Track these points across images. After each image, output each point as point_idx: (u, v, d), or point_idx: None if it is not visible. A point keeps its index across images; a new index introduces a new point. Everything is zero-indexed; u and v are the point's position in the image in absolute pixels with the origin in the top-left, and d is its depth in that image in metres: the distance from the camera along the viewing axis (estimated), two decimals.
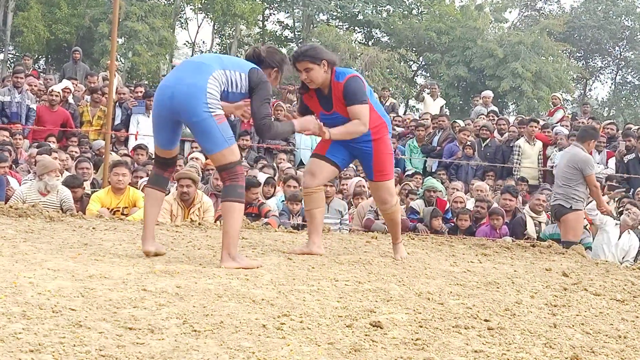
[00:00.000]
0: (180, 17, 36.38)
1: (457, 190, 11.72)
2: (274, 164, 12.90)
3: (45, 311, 3.57)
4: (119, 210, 9.01)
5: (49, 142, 11.84)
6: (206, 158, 12.18)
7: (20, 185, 9.65)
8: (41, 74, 21.88)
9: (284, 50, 37.40)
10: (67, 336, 3.22)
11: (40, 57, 35.30)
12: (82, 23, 31.33)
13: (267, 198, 10.59)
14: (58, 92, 13.43)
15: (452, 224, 10.62)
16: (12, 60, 34.48)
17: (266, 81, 5.50)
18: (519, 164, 13.87)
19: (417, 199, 11.00)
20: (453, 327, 3.95)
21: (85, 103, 14.33)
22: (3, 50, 32.40)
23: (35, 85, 14.45)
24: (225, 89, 5.36)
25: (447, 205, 10.96)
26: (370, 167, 6.25)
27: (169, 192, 9.77)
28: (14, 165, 10.80)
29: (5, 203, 8.44)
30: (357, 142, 6.13)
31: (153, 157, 6.04)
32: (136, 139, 13.42)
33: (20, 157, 11.61)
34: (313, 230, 6.27)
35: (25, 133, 12.60)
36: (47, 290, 3.97)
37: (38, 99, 13.71)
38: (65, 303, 3.74)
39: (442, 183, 12.17)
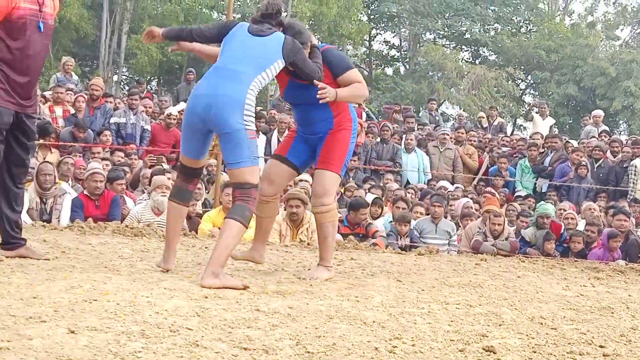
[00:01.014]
0: None
1: (566, 210, 11.53)
2: (382, 184, 12.91)
3: (164, 330, 3.66)
4: None
5: (162, 162, 12.11)
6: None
7: (135, 204, 9.90)
8: (154, 95, 22.38)
9: (389, 71, 37.44)
10: (185, 355, 3.30)
11: (152, 78, 36.14)
12: None
13: (375, 218, 10.61)
14: (175, 115, 13.67)
15: (565, 246, 10.44)
16: (125, 82, 35.39)
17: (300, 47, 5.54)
18: (634, 184, 13.51)
19: (531, 225, 10.80)
20: (567, 352, 3.90)
21: None
22: (117, 72, 33.29)
23: (149, 107, 14.79)
24: (263, 85, 5.31)
25: (562, 229, 10.75)
26: (319, 153, 5.84)
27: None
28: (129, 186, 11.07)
29: (122, 222, 8.69)
30: (317, 132, 5.82)
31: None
32: None
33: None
34: (259, 238, 5.97)
35: (139, 154, 12.92)
36: (164, 309, 4.06)
37: (152, 121, 14.00)
38: (182, 322, 3.83)
39: (554, 205, 11.94)
